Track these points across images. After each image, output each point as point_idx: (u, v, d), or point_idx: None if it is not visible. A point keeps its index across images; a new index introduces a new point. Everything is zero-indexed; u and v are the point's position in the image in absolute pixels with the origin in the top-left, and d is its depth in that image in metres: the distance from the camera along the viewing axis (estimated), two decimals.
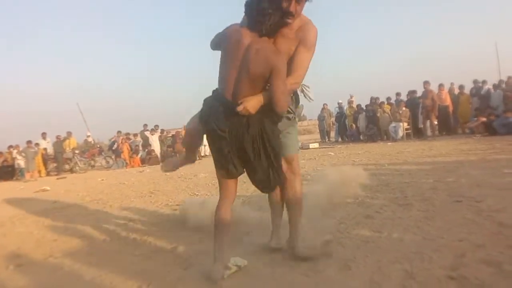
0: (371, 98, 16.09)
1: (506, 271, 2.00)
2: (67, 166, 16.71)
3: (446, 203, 3.62)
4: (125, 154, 16.87)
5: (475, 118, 11.99)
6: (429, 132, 13.62)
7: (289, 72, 2.38)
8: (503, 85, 12.87)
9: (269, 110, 2.34)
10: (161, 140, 17.34)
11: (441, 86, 13.73)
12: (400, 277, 2.08)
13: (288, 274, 2.29)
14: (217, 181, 2.58)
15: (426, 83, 13.53)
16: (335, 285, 2.07)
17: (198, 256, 2.78)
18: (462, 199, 3.66)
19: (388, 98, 15.69)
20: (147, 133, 17.47)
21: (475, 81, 13.49)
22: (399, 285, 1.98)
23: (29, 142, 16.29)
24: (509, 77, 12.91)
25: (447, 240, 2.59)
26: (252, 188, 5.76)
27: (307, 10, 2.46)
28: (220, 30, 2.48)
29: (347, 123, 16.98)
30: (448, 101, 13.43)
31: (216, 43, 2.53)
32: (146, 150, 16.77)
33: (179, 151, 16.11)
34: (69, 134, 17.96)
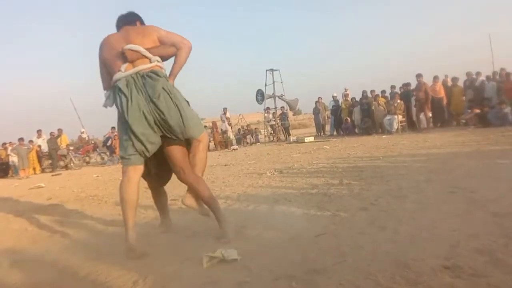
0: (363, 92, 16.10)
1: (499, 260, 2.01)
2: (62, 163, 16.64)
3: (441, 194, 3.64)
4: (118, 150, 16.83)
5: (469, 110, 12.04)
6: (423, 125, 13.65)
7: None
8: (497, 77, 12.92)
9: None
10: None
11: (435, 78, 13.76)
12: (395, 267, 2.09)
13: (281, 267, 2.30)
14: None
15: (419, 75, 13.54)
16: (330, 277, 2.08)
17: (194, 249, 2.78)
18: (456, 190, 3.68)
19: (383, 91, 15.71)
20: None
21: (468, 73, 13.53)
22: (394, 275, 1.99)
23: (21, 139, 16.16)
24: (502, 69, 12.97)
25: (441, 230, 2.61)
26: (247, 182, 5.79)
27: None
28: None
29: (342, 116, 17.01)
30: (442, 93, 13.48)
31: None
32: None
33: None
34: (60, 131, 17.74)
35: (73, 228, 4.02)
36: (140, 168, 2.93)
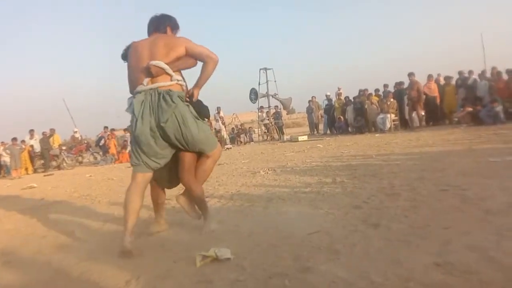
0: (359, 91, 16.13)
1: (491, 257, 2.03)
2: (54, 163, 16.56)
3: (433, 192, 3.66)
4: (112, 150, 16.78)
5: (461, 109, 12.10)
6: (416, 123, 13.72)
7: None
8: (487, 75, 13.00)
9: None
10: None
11: (430, 77, 13.87)
12: (387, 264, 2.10)
13: (274, 265, 2.30)
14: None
15: (411, 74, 13.63)
16: (322, 275, 2.09)
17: (187, 248, 2.78)
18: (448, 188, 3.71)
19: (377, 90, 15.76)
20: None
21: (460, 72, 13.60)
22: (387, 272, 2.00)
23: (14, 139, 16.06)
24: (493, 68, 13.05)
25: (433, 228, 2.62)
26: (241, 181, 5.79)
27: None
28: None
29: (335, 115, 17.05)
30: (436, 92, 13.56)
31: None
32: None
33: None
34: (52, 130, 17.64)
35: (66, 228, 4.00)
36: (149, 175, 3.05)
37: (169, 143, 2.97)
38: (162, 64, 2.92)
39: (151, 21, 3.25)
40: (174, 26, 3.31)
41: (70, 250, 3.18)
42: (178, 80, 3.01)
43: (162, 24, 3.23)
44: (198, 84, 3.09)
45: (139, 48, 3.05)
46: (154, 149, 2.92)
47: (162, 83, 2.93)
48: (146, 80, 2.94)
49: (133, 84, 3.04)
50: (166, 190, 3.49)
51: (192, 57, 3.04)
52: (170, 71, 2.95)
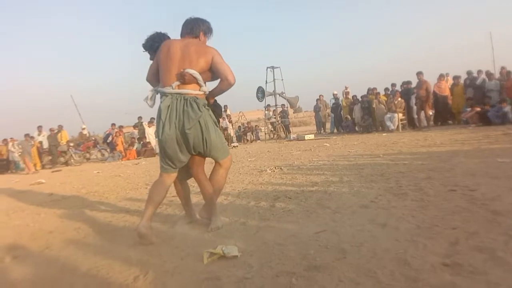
0: (368, 89, 16.04)
1: (499, 258, 2.02)
2: (62, 159, 16.66)
3: (441, 192, 3.64)
4: (120, 146, 16.86)
5: (469, 108, 12.00)
6: (424, 123, 13.64)
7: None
8: (498, 75, 12.90)
9: None
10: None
11: (441, 76, 13.79)
12: (394, 264, 2.10)
13: (281, 264, 2.31)
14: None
15: (419, 73, 13.53)
16: (330, 274, 2.09)
17: (194, 245, 2.79)
18: (456, 188, 3.69)
19: (386, 89, 15.66)
20: (145, 125, 17.31)
21: (468, 72, 13.50)
22: (394, 272, 2.00)
23: (27, 135, 16.23)
24: (502, 67, 12.95)
25: (441, 228, 2.62)
26: (248, 179, 5.80)
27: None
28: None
29: (342, 114, 17.01)
30: (447, 91, 13.48)
31: None
32: (142, 142, 16.73)
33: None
34: (60, 127, 17.82)
35: (74, 224, 4.03)
36: (174, 175, 3.24)
37: (187, 147, 3.08)
38: (197, 74, 3.02)
39: (185, 23, 3.32)
40: (207, 31, 3.39)
41: (78, 246, 3.21)
42: (205, 92, 3.15)
43: (196, 28, 3.30)
44: (212, 94, 3.24)
45: (172, 48, 3.10)
46: (179, 151, 3.07)
47: (191, 90, 3.05)
48: (176, 84, 3.02)
49: (161, 81, 3.11)
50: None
51: (213, 69, 3.11)
52: (202, 82, 3.07)
